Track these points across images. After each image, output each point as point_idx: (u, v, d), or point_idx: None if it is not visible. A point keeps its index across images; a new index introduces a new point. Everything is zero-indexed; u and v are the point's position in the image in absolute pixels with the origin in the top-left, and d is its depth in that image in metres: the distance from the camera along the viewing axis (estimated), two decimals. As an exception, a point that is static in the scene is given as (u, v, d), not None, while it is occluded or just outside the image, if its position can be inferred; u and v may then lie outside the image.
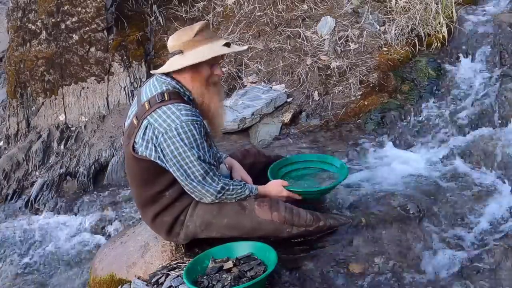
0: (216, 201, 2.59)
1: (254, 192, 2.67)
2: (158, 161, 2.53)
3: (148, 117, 2.52)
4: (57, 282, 3.48)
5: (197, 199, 2.60)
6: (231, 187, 2.60)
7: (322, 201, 2.99)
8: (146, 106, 2.55)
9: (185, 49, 2.55)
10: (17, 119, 4.85)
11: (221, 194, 2.57)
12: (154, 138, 2.51)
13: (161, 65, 2.81)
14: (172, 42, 2.61)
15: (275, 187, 2.74)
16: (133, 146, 2.57)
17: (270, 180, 2.83)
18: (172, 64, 2.58)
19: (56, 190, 4.33)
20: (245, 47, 2.93)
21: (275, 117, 4.21)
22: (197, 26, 2.59)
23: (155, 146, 2.51)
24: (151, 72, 2.75)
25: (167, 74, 2.64)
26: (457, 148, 3.48)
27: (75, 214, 4.06)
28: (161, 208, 2.64)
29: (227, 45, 2.61)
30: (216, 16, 5.03)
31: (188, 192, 2.58)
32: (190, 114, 2.50)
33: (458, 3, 4.57)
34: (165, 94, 2.54)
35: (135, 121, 2.58)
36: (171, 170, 2.53)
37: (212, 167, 2.56)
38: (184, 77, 2.60)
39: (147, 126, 2.52)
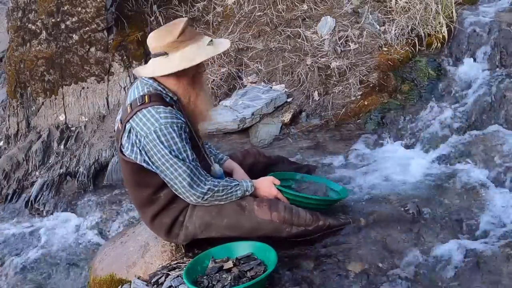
0: (205, 203, 2.57)
1: (250, 189, 2.63)
2: (144, 164, 2.52)
3: (130, 120, 2.51)
4: (57, 282, 3.48)
5: (185, 200, 2.58)
6: (220, 188, 2.55)
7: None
8: (128, 109, 2.54)
9: (170, 51, 2.48)
10: (17, 119, 4.85)
11: (208, 196, 2.54)
12: (138, 141, 2.50)
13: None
14: (154, 42, 2.52)
15: (265, 182, 2.69)
16: (121, 150, 2.57)
17: None
18: (157, 67, 2.52)
19: (56, 190, 4.33)
20: (228, 43, 2.64)
21: (275, 117, 4.21)
22: (180, 25, 2.50)
23: (139, 150, 2.50)
24: (134, 72, 2.69)
25: None
26: (457, 148, 3.48)
27: (75, 214, 4.06)
28: (159, 209, 2.63)
29: (211, 42, 2.54)
30: (216, 16, 5.03)
31: (176, 193, 2.57)
32: (169, 116, 2.47)
33: (458, 3, 4.56)
34: (146, 97, 2.50)
35: (119, 125, 2.58)
36: (157, 171, 2.53)
37: (198, 167, 2.52)
38: (168, 78, 2.55)
39: (130, 130, 2.51)
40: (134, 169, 2.57)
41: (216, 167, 2.75)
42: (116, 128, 2.68)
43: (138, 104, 2.50)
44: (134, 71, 2.68)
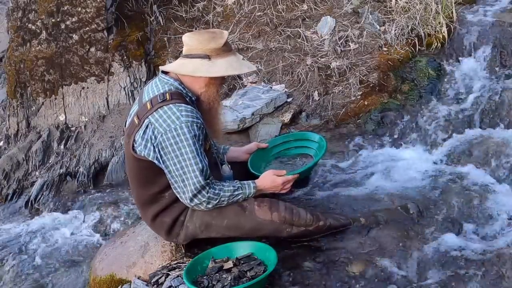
0: (204, 210, 2.56)
1: (253, 192, 2.63)
2: (156, 161, 2.52)
3: (149, 116, 2.52)
4: (57, 282, 3.48)
5: (180, 198, 2.57)
6: (221, 198, 2.54)
7: (322, 199, 2.99)
8: (148, 105, 2.55)
9: (212, 56, 2.55)
10: (17, 119, 4.85)
11: (210, 205, 2.54)
12: (153, 138, 2.50)
13: (162, 65, 2.80)
14: (196, 44, 2.57)
15: (267, 177, 2.68)
16: (133, 145, 2.57)
17: (252, 172, 2.81)
18: (200, 67, 2.55)
19: (56, 190, 4.33)
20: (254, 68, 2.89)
21: (275, 117, 4.20)
22: (224, 34, 2.60)
23: (153, 146, 2.51)
24: (163, 68, 2.69)
25: (168, 73, 2.64)
26: (457, 148, 3.48)
27: (75, 214, 4.05)
28: (161, 208, 2.64)
29: (243, 59, 2.70)
30: (216, 16, 5.03)
31: (177, 195, 2.56)
32: (190, 115, 2.49)
33: (458, 3, 4.56)
34: (167, 94, 2.54)
35: (136, 120, 2.58)
36: (166, 170, 2.52)
37: (207, 173, 2.52)
38: (197, 80, 2.60)
39: (147, 126, 2.52)
40: (143, 166, 2.57)
41: (225, 168, 2.77)
42: (129, 122, 2.66)
43: (159, 101, 2.52)
44: (164, 67, 2.69)
